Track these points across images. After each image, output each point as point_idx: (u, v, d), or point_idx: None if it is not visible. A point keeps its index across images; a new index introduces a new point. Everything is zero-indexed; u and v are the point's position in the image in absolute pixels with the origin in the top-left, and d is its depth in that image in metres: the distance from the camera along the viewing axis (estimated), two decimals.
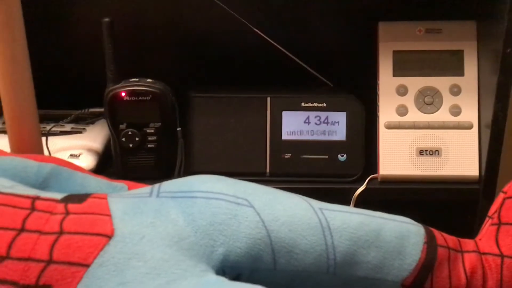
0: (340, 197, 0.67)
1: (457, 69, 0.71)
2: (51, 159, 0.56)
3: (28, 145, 0.63)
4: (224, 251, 0.44)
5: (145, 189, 0.49)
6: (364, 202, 0.68)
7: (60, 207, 0.44)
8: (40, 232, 0.42)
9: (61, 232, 0.42)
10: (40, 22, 0.83)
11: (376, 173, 0.71)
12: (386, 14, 0.75)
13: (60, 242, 0.41)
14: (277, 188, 0.52)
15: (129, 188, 0.56)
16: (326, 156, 0.71)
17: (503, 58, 0.63)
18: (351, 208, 0.52)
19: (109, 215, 0.44)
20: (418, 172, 0.70)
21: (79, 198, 0.46)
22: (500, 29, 0.63)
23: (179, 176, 0.70)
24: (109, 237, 0.42)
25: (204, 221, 0.45)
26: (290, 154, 0.71)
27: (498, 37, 0.64)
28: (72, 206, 0.44)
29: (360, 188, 0.70)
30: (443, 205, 0.75)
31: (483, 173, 0.68)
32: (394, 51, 0.71)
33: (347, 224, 0.49)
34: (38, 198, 0.45)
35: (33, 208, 0.44)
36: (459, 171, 0.69)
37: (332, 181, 0.71)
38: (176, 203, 0.46)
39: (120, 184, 0.57)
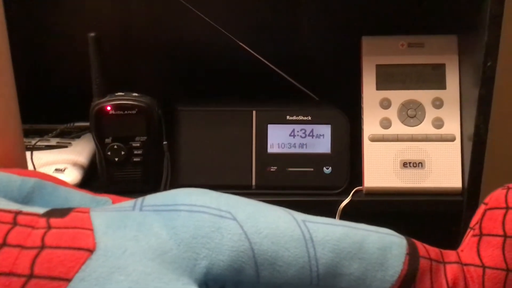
0: (326, 210, 0.67)
1: (439, 83, 0.72)
2: (35, 174, 0.56)
3: (11, 160, 0.63)
4: (207, 264, 0.44)
5: (128, 202, 0.49)
6: (349, 214, 0.68)
7: (42, 221, 0.44)
8: (21, 246, 0.42)
9: (42, 247, 0.42)
10: (25, 36, 0.83)
11: (361, 185, 0.72)
12: (369, 29, 0.76)
13: (42, 256, 0.41)
14: (263, 201, 0.52)
15: (113, 202, 0.56)
16: (312, 169, 0.71)
17: (484, 71, 0.64)
18: (334, 220, 0.52)
19: (91, 229, 0.44)
20: (402, 184, 0.70)
21: (62, 212, 0.46)
22: (481, 43, 0.64)
23: (165, 189, 0.70)
24: (91, 251, 0.42)
25: (187, 234, 0.45)
26: (275, 167, 0.71)
27: (479, 50, 0.65)
28: (54, 221, 0.44)
29: (345, 201, 0.70)
30: (427, 217, 0.75)
31: (466, 185, 0.69)
32: (377, 65, 0.72)
33: (330, 236, 0.49)
34: (20, 212, 0.45)
35: (15, 223, 0.43)
36: (442, 183, 0.70)
37: (317, 193, 0.71)
38: (159, 216, 0.46)
39: (104, 198, 0.56)
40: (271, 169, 0.71)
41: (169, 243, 0.44)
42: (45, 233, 0.43)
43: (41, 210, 0.46)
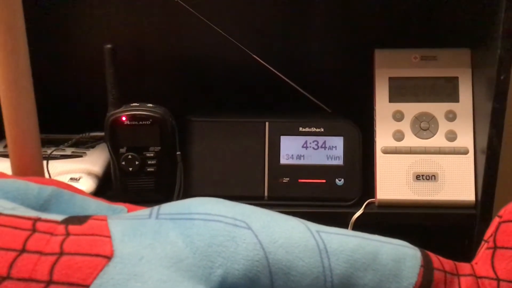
0: (338, 221, 0.67)
1: (452, 96, 0.72)
2: (52, 182, 0.56)
3: (29, 168, 0.64)
4: (222, 272, 0.45)
5: (144, 211, 0.50)
6: (361, 226, 0.68)
7: (61, 228, 0.45)
8: (40, 253, 0.42)
9: (61, 253, 0.42)
10: (42, 47, 0.84)
11: (373, 198, 0.72)
12: (382, 41, 0.77)
13: (61, 262, 0.42)
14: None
15: (128, 211, 0.57)
16: (324, 181, 0.71)
17: (497, 84, 0.65)
18: (348, 231, 0.52)
19: (109, 237, 0.44)
20: (415, 196, 0.70)
21: (80, 219, 0.47)
22: (494, 56, 0.64)
23: (178, 199, 0.70)
24: (108, 258, 0.42)
25: (202, 243, 0.45)
26: (288, 178, 0.72)
27: (492, 64, 0.65)
28: (72, 228, 0.45)
29: (357, 212, 0.70)
30: (440, 230, 0.75)
31: (479, 198, 0.69)
32: (390, 78, 0.73)
33: (344, 246, 0.49)
34: (39, 219, 0.45)
35: (34, 230, 0.44)
36: (455, 196, 0.70)
37: (330, 205, 0.71)
38: (175, 224, 0.47)
39: (120, 206, 0.57)
40: (284, 181, 0.72)
41: (185, 251, 0.45)
42: (63, 240, 0.43)
43: (59, 217, 0.47)
